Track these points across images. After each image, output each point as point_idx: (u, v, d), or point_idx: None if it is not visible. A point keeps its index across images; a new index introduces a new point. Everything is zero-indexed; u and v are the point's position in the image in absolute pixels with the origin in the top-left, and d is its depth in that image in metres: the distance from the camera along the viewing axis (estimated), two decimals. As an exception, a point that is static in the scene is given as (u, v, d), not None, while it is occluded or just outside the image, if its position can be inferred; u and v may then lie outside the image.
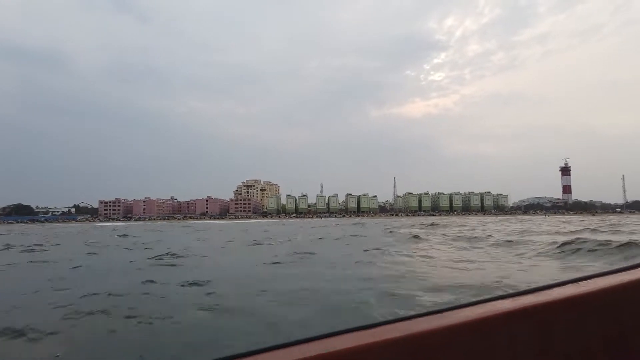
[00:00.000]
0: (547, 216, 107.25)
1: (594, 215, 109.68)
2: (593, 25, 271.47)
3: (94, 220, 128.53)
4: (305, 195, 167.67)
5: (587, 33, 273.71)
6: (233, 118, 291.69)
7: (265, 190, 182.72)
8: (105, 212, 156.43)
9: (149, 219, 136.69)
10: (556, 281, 0.96)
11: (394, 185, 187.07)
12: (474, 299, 0.92)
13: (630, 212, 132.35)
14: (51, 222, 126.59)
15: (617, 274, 0.98)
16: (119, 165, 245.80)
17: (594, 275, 0.98)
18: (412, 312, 0.87)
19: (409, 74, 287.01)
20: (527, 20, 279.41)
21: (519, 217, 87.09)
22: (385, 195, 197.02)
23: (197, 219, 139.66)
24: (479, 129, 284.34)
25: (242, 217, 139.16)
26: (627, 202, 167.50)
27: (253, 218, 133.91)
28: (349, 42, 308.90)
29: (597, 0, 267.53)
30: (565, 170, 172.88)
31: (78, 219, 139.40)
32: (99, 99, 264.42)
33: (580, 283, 0.95)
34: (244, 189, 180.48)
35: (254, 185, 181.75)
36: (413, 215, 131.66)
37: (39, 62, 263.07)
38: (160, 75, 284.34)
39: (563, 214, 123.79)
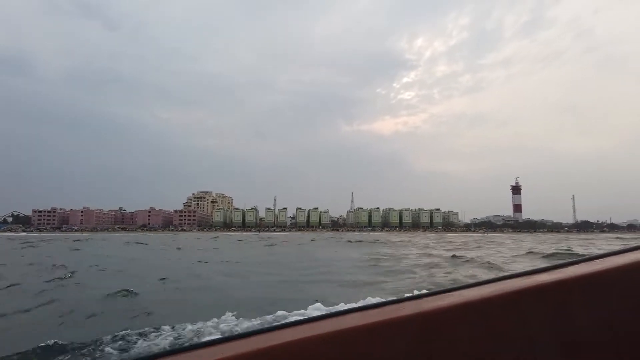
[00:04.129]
0: (485, 234, 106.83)
1: (531, 233, 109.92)
2: (554, 51, 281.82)
3: (15, 230, 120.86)
4: (254, 208, 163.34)
5: (549, 58, 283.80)
6: (202, 129, 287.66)
7: (216, 202, 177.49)
8: (39, 221, 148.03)
9: (83, 230, 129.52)
10: (569, 260, 0.94)
11: (352, 201, 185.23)
12: (484, 278, 0.91)
13: (567, 231, 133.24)
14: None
15: (634, 252, 0.95)
16: (73, 173, 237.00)
17: (609, 254, 0.96)
18: (422, 292, 0.86)
19: (379, 91, 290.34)
20: (493, 44, 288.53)
21: (430, 234, 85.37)
22: (344, 211, 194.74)
23: (128, 230, 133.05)
24: (446, 147, 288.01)
25: (180, 230, 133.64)
26: (576, 221, 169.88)
27: (189, 231, 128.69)
28: (321, 57, 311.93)
29: (559, 27, 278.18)
30: (516, 189, 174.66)
31: (2, 228, 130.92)
32: (60, 105, 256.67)
33: (595, 261, 0.93)
34: (194, 201, 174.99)
35: (204, 197, 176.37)
36: (356, 231, 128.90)
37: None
38: (127, 83, 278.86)
39: (502, 231, 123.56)
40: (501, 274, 0.92)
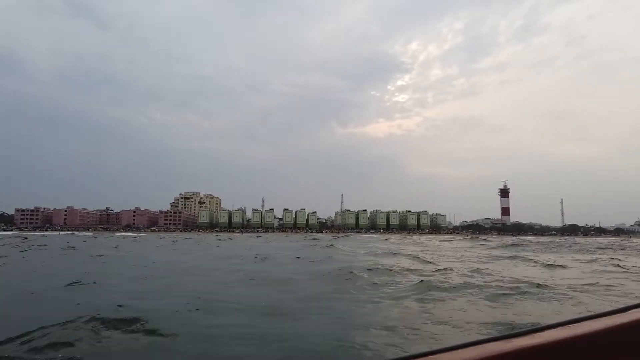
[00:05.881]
0: (469, 236, 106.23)
1: (515, 236, 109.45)
2: (548, 57, 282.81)
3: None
4: (240, 209, 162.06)
5: (542, 64, 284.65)
6: (193, 130, 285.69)
7: (203, 203, 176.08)
8: (22, 220, 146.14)
9: (62, 230, 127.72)
10: (546, 323, 0.95)
11: (341, 202, 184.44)
12: (464, 341, 0.89)
13: (553, 234, 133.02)
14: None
15: (610, 317, 0.96)
16: (61, 173, 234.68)
17: (586, 318, 0.97)
18: (401, 354, 0.86)
19: (374, 94, 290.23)
20: (488, 48, 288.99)
21: (402, 237, 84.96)
22: (334, 212, 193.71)
23: (110, 230, 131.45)
24: (439, 151, 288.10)
25: (163, 230, 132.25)
26: (564, 225, 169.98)
27: (171, 231, 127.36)
28: (315, 61, 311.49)
29: (553, 33, 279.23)
30: (504, 193, 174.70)
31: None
32: (48, 104, 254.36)
33: (572, 325, 0.94)
34: (181, 201, 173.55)
35: (192, 198, 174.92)
36: (341, 232, 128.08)
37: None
38: (118, 84, 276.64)
39: (487, 234, 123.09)
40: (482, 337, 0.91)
